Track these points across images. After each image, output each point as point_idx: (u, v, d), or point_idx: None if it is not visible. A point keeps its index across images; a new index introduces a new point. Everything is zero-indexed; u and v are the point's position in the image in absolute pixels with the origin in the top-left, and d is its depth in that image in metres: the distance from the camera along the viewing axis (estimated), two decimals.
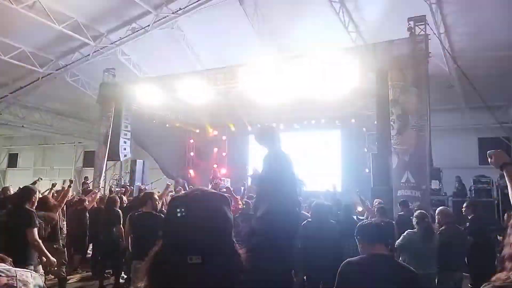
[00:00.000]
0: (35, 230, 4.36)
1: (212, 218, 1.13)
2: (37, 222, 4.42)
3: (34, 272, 1.34)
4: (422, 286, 3.21)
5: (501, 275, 1.33)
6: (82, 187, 13.52)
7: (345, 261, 2.73)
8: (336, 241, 5.13)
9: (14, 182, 22.85)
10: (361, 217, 7.63)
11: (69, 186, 7.02)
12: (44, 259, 4.49)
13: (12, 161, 26.34)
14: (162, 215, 5.16)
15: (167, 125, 17.10)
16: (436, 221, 5.54)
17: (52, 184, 8.52)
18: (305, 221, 5.25)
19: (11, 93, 15.56)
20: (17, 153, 26.40)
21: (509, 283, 1.29)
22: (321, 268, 4.66)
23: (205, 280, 1.06)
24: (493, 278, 1.35)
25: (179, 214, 1.13)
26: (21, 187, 5.15)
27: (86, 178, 14.39)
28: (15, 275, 1.25)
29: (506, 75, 11.79)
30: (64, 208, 7.07)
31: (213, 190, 1.26)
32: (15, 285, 1.22)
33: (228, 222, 1.17)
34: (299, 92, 14.99)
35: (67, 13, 11.61)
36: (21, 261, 3.95)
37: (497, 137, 13.33)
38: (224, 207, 1.19)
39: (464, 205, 6.71)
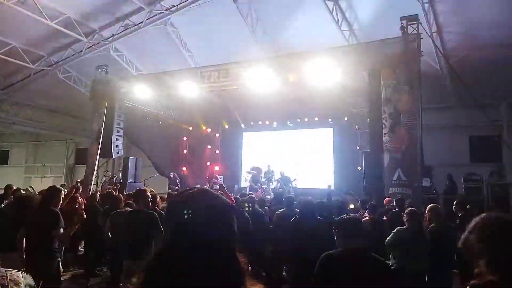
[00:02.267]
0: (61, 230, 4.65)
1: (216, 228, 1.05)
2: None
3: (24, 272, 1.34)
4: (394, 277, 3.58)
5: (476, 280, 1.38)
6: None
7: (324, 254, 2.86)
8: (321, 237, 5.13)
9: (5, 180, 22.68)
10: (353, 214, 7.69)
11: (73, 187, 6.96)
12: None
13: (3, 158, 26.06)
14: (155, 213, 5.12)
15: (160, 122, 17.03)
16: (427, 218, 5.59)
17: (61, 184, 8.51)
18: (294, 218, 5.33)
19: (2, 89, 15.40)
20: (8, 150, 26.14)
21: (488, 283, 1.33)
22: (307, 264, 4.70)
23: (204, 281, 0.99)
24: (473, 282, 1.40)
25: (182, 217, 1.05)
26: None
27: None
28: (5, 275, 1.25)
29: (497, 73, 11.91)
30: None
31: (219, 194, 1.17)
32: (6, 284, 1.22)
33: (233, 233, 1.10)
34: (292, 90, 15.03)
35: (59, 9, 11.51)
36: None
37: (488, 135, 13.47)
38: (230, 215, 1.12)
39: (455, 202, 6.79)
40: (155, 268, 1.04)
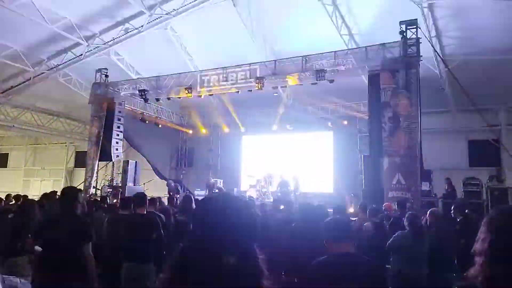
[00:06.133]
0: None
1: (243, 221, 1.19)
2: None
3: (23, 279, 1.34)
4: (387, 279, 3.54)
5: (472, 272, 1.36)
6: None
7: (313, 262, 2.64)
8: (321, 241, 5.11)
9: (4, 183, 22.65)
10: (353, 218, 7.67)
11: None
12: None
13: (2, 161, 26.04)
14: (157, 216, 5.11)
15: (160, 126, 17.06)
16: (427, 222, 5.59)
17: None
18: (294, 223, 5.30)
19: (2, 92, 15.39)
20: (8, 153, 26.12)
21: (475, 280, 1.32)
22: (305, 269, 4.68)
23: (235, 279, 1.11)
24: (466, 275, 1.39)
25: (213, 216, 1.19)
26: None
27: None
28: (3, 281, 1.25)
29: (495, 78, 11.95)
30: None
31: (239, 196, 1.32)
32: None
33: (257, 227, 1.24)
34: (292, 93, 15.06)
35: (60, 13, 11.55)
36: None
37: (487, 139, 13.49)
38: (253, 210, 1.27)
39: (452, 207, 6.76)
40: (186, 262, 1.16)
